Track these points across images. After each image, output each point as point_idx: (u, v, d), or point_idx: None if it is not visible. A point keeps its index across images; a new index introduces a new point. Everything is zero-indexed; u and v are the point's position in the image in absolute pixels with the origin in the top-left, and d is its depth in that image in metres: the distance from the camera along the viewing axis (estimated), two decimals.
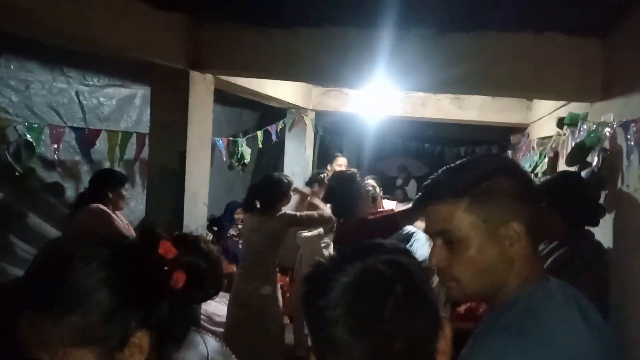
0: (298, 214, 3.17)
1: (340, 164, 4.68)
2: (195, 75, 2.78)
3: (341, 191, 2.64)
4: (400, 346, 0.66)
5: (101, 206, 2.85)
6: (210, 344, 0.90)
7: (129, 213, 3.58)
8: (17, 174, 2.30)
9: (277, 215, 3.07)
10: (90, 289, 0.69)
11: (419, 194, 0.95)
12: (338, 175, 2.87)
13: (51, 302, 0.67)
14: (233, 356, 0.95)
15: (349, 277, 0.68)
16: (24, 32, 2.09)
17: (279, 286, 3.23)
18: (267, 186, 3.12)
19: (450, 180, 0.91)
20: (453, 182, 0.90)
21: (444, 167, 0.96)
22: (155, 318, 0.73)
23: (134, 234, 2.99)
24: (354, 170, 2.90)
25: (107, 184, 2.87)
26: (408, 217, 2.72)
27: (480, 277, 0.88)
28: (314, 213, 3.15)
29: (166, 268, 0.75)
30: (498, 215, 0.88)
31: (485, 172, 0.90)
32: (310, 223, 3.26)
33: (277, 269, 3.23)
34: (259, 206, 3.12)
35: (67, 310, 0.67)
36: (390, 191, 6.33)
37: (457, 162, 0.96)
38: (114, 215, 2.92)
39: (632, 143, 1.76)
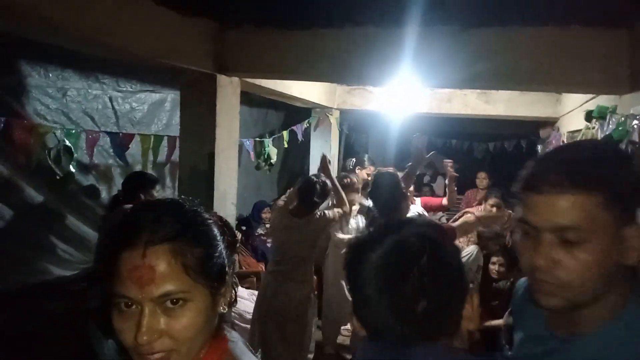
0: (332, 213, 3.16)
1: (369, 173, 4.64)
2: (222, 78, 2.86)
3: (385, 191, 2.68)
4: (422, 308, 0.76)
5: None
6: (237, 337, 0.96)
7: None
8: (57, 177, 2.42)
9: (317, 217, 3.05)
10: (213, 232, 0.79)
11: (540, 171, 0.78)
12: (381, 175, 2.87)
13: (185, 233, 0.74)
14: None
15: (383, 247, 0.80)
16: (59, 42, 2.21)
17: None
18: (308, 189, 3.02)
19: (588, 167, 0.75)
20: (593, 171, 0.75)
21: (561, 151, 0.86)
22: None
23: None
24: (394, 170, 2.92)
25: (139, 186, 2.97)
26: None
27: (594, 285, 0.75)
28: (341, 209, 3.18)
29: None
30: (629, 214, 0.75)
31: (621, 161, 0.78)
32: (340, 217, 3.28)
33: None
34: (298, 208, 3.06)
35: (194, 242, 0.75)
36: (418, 189, 6.30)
37: (577, 145, 0.85)
38: None
39: None
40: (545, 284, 0.77)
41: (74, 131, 2.51)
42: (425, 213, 3.53)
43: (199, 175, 2.86)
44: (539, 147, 5.54)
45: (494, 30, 2.44)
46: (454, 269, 0.81)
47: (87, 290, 2.28)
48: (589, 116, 2.66)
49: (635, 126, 1.94)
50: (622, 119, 2.12)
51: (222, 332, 0.81)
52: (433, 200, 4.01)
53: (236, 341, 0.83)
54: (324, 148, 5.27)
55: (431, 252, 0.78)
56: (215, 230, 0.79)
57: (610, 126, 2.42)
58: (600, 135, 2.75)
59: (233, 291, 0.83)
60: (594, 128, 2.91)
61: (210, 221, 0.80)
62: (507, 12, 2.28)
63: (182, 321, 0.71)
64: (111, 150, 3.03)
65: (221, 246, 0.79)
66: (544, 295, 0.78)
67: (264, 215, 4.88)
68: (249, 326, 3.58)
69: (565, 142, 3.99)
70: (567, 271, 0.75)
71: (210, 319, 0.76)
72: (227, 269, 0.79)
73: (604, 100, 2.82)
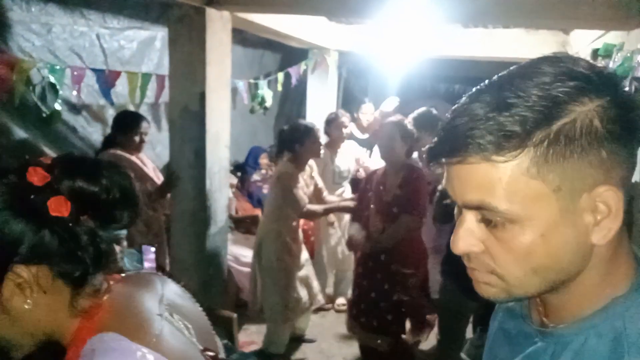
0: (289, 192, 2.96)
1: (365, 111, 4.59)
2: (211, 12, 2.72)
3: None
4: None
5: (118, 152, 2.90)
6: (168, 285, 0.88)
7: (154, 157, 3.65)
8: (44, 115, 2.35)
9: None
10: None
11: (437, 140, 0.58)
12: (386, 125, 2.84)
13: None
14: (194, 301, 0.92)
15: None
16: None
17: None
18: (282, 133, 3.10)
19: (496, 119, 0.52)
20: (503, 123, 0.52)
21: (477, 92, 0.56)
22: (39, 250, 0.68)
23: (161, 177, 3.06)
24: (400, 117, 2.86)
25: (126, 126, 2.92)
26: None
27: (541, 273, 0.56)
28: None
29: (34, 196, 0.68)
30: (580, 177, 0.53)
31: (560, 98, 0.51)
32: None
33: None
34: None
35: None
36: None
37: (502, 78, 0.56)
38: (133, 159, 2.97)
39: None
40: (475, 272, 0.60)
41: (58, 67, 2.41)
42: None
43: (190, 115, 2.79)
44: None
45: None
46: None
47: None
48: (595, 54, 2.56)
49: (639, 61, 1.85)
50: (628, 54, 2.02)
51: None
52: None
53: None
54: (322, 92, 5.14)
55: None
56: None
57: (617, 62, 2.33)
58: None
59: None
60: (601, 64, 2.80)
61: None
62: None
63: None
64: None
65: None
66: (478, 284, 0.61)
67: (260, 161, 4.84)
68: (244, 269, 3.64)
69: None
70: (501, 258, 0.57)
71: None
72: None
73: (611, 39, 2.69)
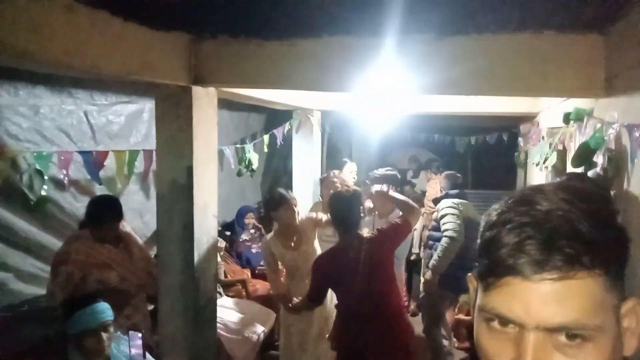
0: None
1: (351, 170, 4.71)
2: (197, 90, 2.81)
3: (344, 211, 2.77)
4: None
5: (85, 234, 2.66)
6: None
7: (142, 226, 3.65)
8: (31, 203, 2.36)
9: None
10: None
11: (534, 252, 0.53)
12: (339, 195, 2.91)
13: None
14: None
15: None
16: (27, 67, 2.14)
17: None
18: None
19: (587, 234, 0.52)
20: (597, 241, 0.52)
21: (533, 209, 0.55)
22: None
23: (144, 254, 2.98)
24: (356, 189, 3.00)
25: (95, 217, 2.66)
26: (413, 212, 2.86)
27: None
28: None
29: None
30: (623, 289, 0.56)
31: (617, 220, 0.58)
32: None
33: None
34: None
35: None
36: (400, 185, 6.32)
37: (546, 195, 0.56)
38: (99, 244, 2.68)
39: (637, 146, 1.74)
40: None
41: (45, 153, 2.44)
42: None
43: (178, 189, 2.82)
44: (520, 140, 5.60)
45: (470, 37, 2.43)
46: None
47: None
48: (567, 118, 2.68)
49: (611, 135, 1.95)
50: (599, 125, 2.14)
51: None
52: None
53: None
54: (307, 150, 5.24)
55: None
56: None
57: (588, 130, 2.44)
58: (578, 136, 2.77)
59: None
60: (572, 127, 2.93)
61: None
62: (481, 20, 2.27)
63: None
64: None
65: None
66: None
67: (246, 221, 4.85)
68: (234, 336, 3.58)
69: (546, 138, 4.02)
70: None
71: None
72: None
73: (581, 100, 2.84)
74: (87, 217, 2.70)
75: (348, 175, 4.64)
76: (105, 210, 2.68)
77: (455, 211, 3.81)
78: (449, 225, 3.75)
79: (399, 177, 4.20)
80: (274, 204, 3.24)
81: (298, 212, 3.30)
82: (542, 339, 0.53)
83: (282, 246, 3.28)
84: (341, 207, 2.77)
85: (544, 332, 0.53)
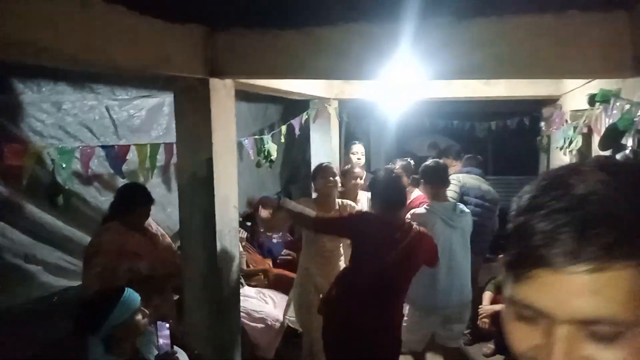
0: None
1: (356, 151, 4.70)
2: (215, 82, 2.81)
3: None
4: None
5: (116, 226, 2.69)
6: None
7: (165, 218, 3.70)
8: (56, 197, 2.41)
9: None
10: None
11: (568, 242, 0.49)
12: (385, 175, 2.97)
13: None
14: None
15: None
16: (47, 63, 2.17)
17: None
18: None
19: (630, 222, 0.49)
20: (636, 228, 0.49)
21: (568, 195, 0.51)
22: None
23: (167, 242, 3.03)
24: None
25: (127, 203, 2.74)
26: None
27: None
28: None
29: None
30: None
31: None
32: None
33: None
34: None
35: None
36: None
37: (582, 181, 0.52)
38: (130, 236, 2.72)
39: None
40: None
41: (68, 148, 2.48)
42: None
43: (199, 181, 2.84)
44: (542, 124, 5.47)
45: (490, 19, 2.37)
46: None
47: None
48: (592, 100, 2.61)
49: None
50: (627, 106, 2.07)
51: None
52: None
53: None
54: (324, 139, 5.23)
55: None
56: None
57: (614, 111, 2.37)
58: (604, 119, 2.69)
59: None
60: (598, 109, 2.85)
61: None
62: (501, 2, 2.21)
63: None
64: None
65: None
66: None
67: (260, 213, 4.86)
68: (257, 325, 3.62)
69: (569, 122, 3.92)
70: None
71: None
72: None
73: (606, 81, 2.75)
74: (118, 205, 2.75)
75: (352, 157, 4.65)
76: (137, 195, 2.75)
77: (454, 181, 4.00)
78: (448, 194, 3.77)
79: (413, 165, 4.28)
80: (313, 174, 3.42)
81: (338, 185, 3.41)
82: (574, 331, 0.50)
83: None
84: (387, 187, 2.75)
85: (576, 324, 0.50)
